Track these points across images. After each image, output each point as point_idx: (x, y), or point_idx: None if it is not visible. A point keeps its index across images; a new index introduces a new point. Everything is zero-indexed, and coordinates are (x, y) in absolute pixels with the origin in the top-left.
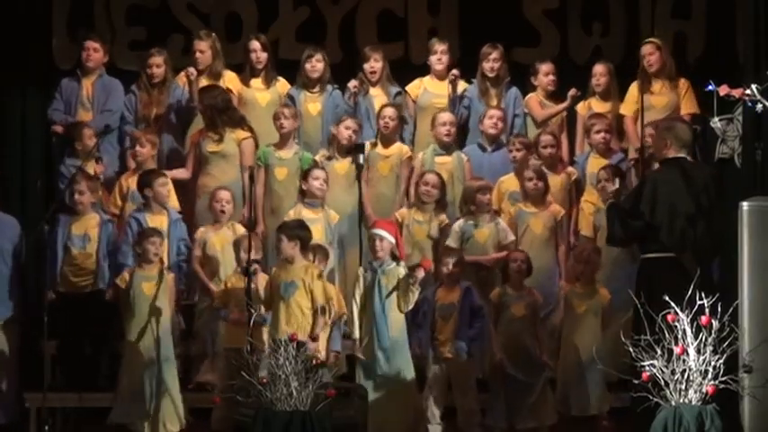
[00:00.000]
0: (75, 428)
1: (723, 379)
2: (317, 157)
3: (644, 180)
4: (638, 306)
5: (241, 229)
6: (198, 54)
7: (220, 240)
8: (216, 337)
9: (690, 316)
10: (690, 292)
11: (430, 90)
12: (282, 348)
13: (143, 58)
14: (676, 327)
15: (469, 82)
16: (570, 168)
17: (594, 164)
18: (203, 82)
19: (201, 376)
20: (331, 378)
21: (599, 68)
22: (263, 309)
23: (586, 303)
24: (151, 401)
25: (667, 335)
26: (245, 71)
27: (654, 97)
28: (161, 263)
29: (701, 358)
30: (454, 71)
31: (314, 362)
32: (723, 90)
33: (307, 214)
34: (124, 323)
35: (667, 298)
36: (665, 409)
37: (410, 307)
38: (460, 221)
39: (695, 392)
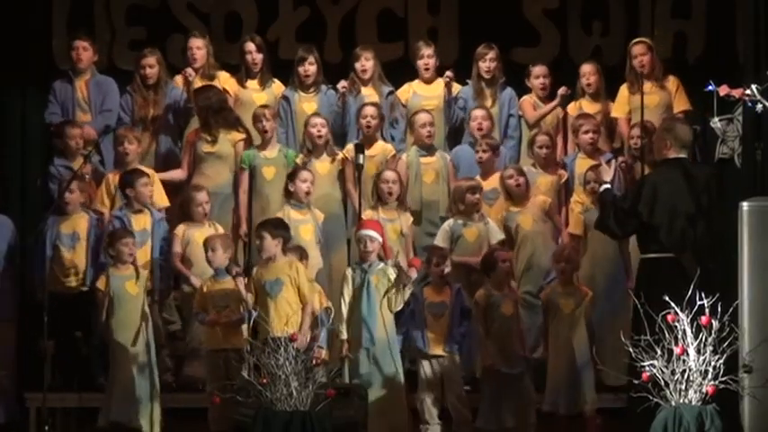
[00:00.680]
0: (76, 428)
1: (723, 379)
2: (298, 160)
3: (644, 180)
4: (638, 306)
5: (221, 230)
6: (195, 50)
7: (203, 238)
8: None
9: (690, 316)
10: (690, 293)
11: (419, 93)
12: (282, 348)
13: (135, 59)
14: (676, 327)
15: (464, 83)
16: (561, 171)
17: (582, 164)
18: (198, 82)
19: (189, 371)
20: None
21: (587, 68)
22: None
23: (573, 302)
24: (141, 402)
25: (667, 335)
26: (241, 72)
27: (646, 97)
28: (134, 262)
29: (701, 358)
30: (448, 73)
31: (314, 361)
32: (723, 90)
33: (295, 215)
34: (108, 323)
35: (667, 298)
36: (664, 409)
37: (400, 307)
38: (450, 221)
39: (695, 393)
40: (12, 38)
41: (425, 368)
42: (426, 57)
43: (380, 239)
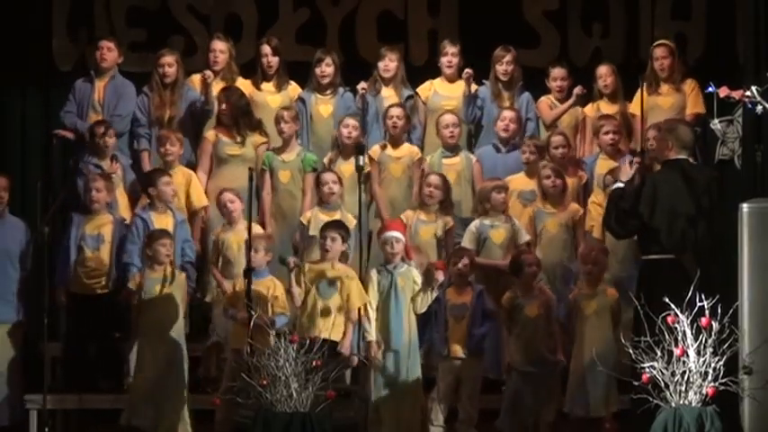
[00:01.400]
0: (76, 430)
1: (723, 380)
2: (325, 160)
3: (644, 181)
4: (638, 307)
5: (257, 230)
6: (218, 53)
7: (237, 240)
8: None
9: (690, 317)
10: (690, 294)
11: (440, 92)
12: (283, 350)
13: (154, 59)
14: (676, 328)
15: (480, 83)
16: (581, 172)
17: (604, 165)
18: (216, 85)
19: (205, 373)
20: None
21: (603, 69)
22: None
23: (595, 304)
24: (164, 404)
25: (667, 336)
26: (257, 74)
27: (660, 98)
28: (171, 264)
29: (701, 360)
30: (468, 70)
31: (314, 363)
32: (723, 92)
33: (323, 217)
34: (136, 325)
35: (667, 300)
36: (665, 410)
37: (425, 309)
38: (476, 222)
39: (695, 394)
40: (12, 38)
41: (443, 369)
42: (450, 55)
43: (404, 240)
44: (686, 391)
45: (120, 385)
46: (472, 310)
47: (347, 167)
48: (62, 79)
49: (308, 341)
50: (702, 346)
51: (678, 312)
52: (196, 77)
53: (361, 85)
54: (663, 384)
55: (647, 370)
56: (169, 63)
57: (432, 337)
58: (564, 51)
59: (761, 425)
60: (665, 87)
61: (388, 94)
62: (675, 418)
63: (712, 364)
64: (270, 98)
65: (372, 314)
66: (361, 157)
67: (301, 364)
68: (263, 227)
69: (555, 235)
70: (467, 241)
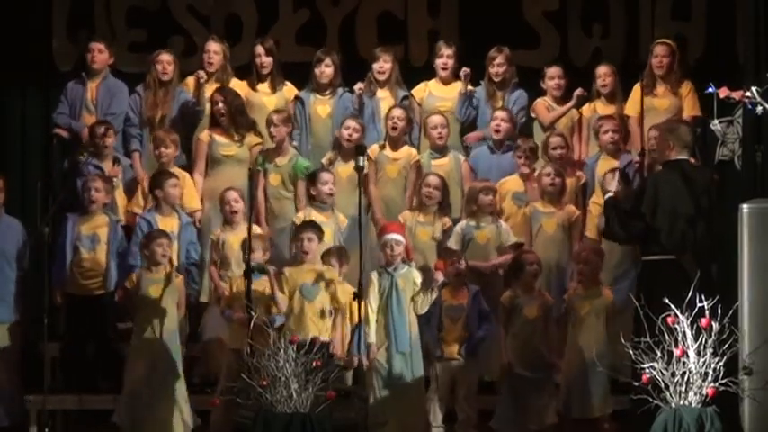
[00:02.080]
0: (76, 430)
1: (723, 381)
2: (324, 161)
3: (645, 182)
4: (639, 308)
5: (256, 230)
6: (212, 55)
7: (238, 240)
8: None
9: (690, 318)
10: (690, 294)
11: (435, 94)
12: (282, 350)
13: (151, 58)
14: (676, 329)
15: (476, 84)
16: (579, 173)
17: (604, 165)
18: (210, 86)
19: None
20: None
21: (603, 69)
22: (276, 310)
23: (589, 305)
24: (157, 404)
25: (667, 337)
26: (252, 75)
27: (657, 99)
28: (170, 265)
29: (701, 360)
30: (465, 69)
31: (314, 363)
32: (723, 92)
33: (317, 217)
34: (133, 324)
35: (667, 300)
36: (665, 411)
37: (425, 309)
38: (462, 222)
39: (695, 394)
40: (12, 38)
41: (439, 370)
42: (446, 57)
43: (404, 242)
44: (686, 391)
45: (119, 385)
46: (468, 311)
47: (345, 169)
48: (62, 79)
49: (307, 342)
50: (702, 347)
51: (678, 313)
52: (190, 79)
53: (358, 86)
54: (663, 385)
55: (648, 370)
56: (168, 61)
57: (428, 337)
58: (564, 52)
59: (761, 425)
60: (660, 89)
61: (384, 95)
62: (675, 419)
63: (712, 365)
64: (266, 99)
65: (372, 316)
66: (361, 158)
67: (301, 365)
68: (260, 226)
69: (552, 235)
70: (453, 242)
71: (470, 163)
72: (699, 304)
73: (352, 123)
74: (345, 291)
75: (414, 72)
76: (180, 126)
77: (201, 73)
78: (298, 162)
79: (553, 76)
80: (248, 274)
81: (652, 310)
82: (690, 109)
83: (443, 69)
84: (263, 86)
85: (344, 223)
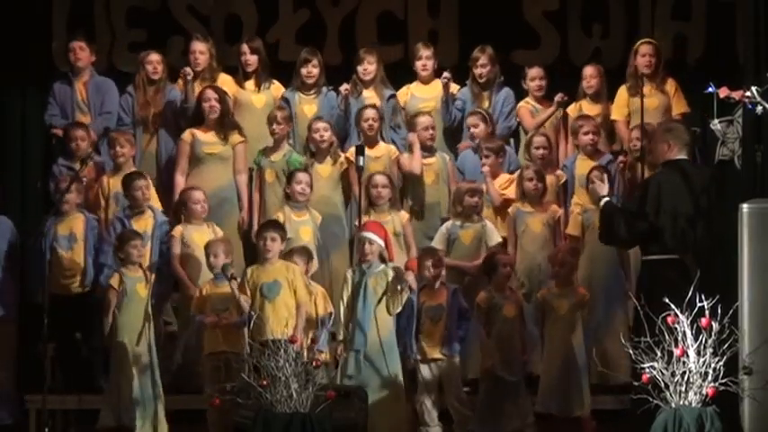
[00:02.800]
0: (75, 430)
1: (723, 381)
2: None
3: (647, 182)
4: (639, 308)
5: (219, 233)
6: (198, 54)
7: (202, 240)
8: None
9: (690, 318)
10: (690, 294)
11: (417, 95)
12: (282, 350)
13: (140, 58)
14: (676, 329)
15: (464, 85)
16: (558, 171)
17: (583, 165)
18: (197, 85)
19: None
20: (326, 378)
21: (589, 70)
22: (246, 309)
23: (566, 303)
24: (144, 406)
25: (667, 337)
26: (239, 74)
27: (646, 99)
28: (148, 265)
29: (701, 360)
30: (446, 74)
31: (314, 363)
32: (723, 92)
33: (294, 216)
34: (114, 324)
35: (667, 300)
36: (664, 411)
37: (399, 309)
38: (448, 223)
39: (695, 394)
40: (12, 38)
41: (424, 371)
42: (425, 58)
43: (381, 242)
44: (686, 391)
45: None
46: (448, 311)
47: (324, 168)
48: (62, 79)
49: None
50: (702, 347)
51: (678, 313)
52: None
53: (344, 87)
54: (663, 385)
55: (648, 370)
56: (157, 61)
57: (406, 338)
58: (564, 52)
59: (761, 425)
60: (647, 88)
61: (370, 96)
62: (675, 419)
63: (712, 365)
64: (254, 97)
65: (343, 313)
66: (361, 158)
67: (301, 365)
68: (250, 226)
69: (538, 234)
70: (437, 242)
71: (456, 164)
72: (699, 304)
73: (320, 124)
74: (306, 287)
75: (414, 72)
76: (171, 123)
77: (188, 69)
78: (292, 157)
79: (534, 77)
80: (232, 276)
81: (652, 310)
82: (678, 107)
83: (423, 70)
84: (250, 84)
85: (319, 220)
